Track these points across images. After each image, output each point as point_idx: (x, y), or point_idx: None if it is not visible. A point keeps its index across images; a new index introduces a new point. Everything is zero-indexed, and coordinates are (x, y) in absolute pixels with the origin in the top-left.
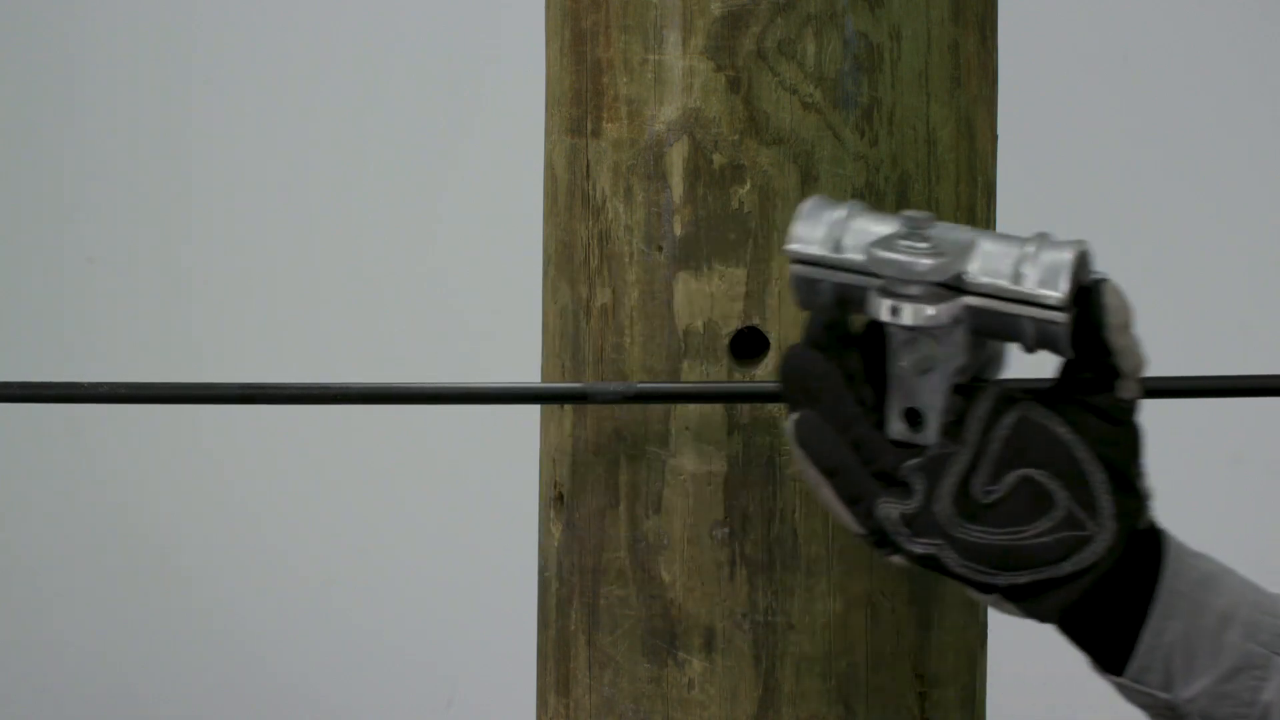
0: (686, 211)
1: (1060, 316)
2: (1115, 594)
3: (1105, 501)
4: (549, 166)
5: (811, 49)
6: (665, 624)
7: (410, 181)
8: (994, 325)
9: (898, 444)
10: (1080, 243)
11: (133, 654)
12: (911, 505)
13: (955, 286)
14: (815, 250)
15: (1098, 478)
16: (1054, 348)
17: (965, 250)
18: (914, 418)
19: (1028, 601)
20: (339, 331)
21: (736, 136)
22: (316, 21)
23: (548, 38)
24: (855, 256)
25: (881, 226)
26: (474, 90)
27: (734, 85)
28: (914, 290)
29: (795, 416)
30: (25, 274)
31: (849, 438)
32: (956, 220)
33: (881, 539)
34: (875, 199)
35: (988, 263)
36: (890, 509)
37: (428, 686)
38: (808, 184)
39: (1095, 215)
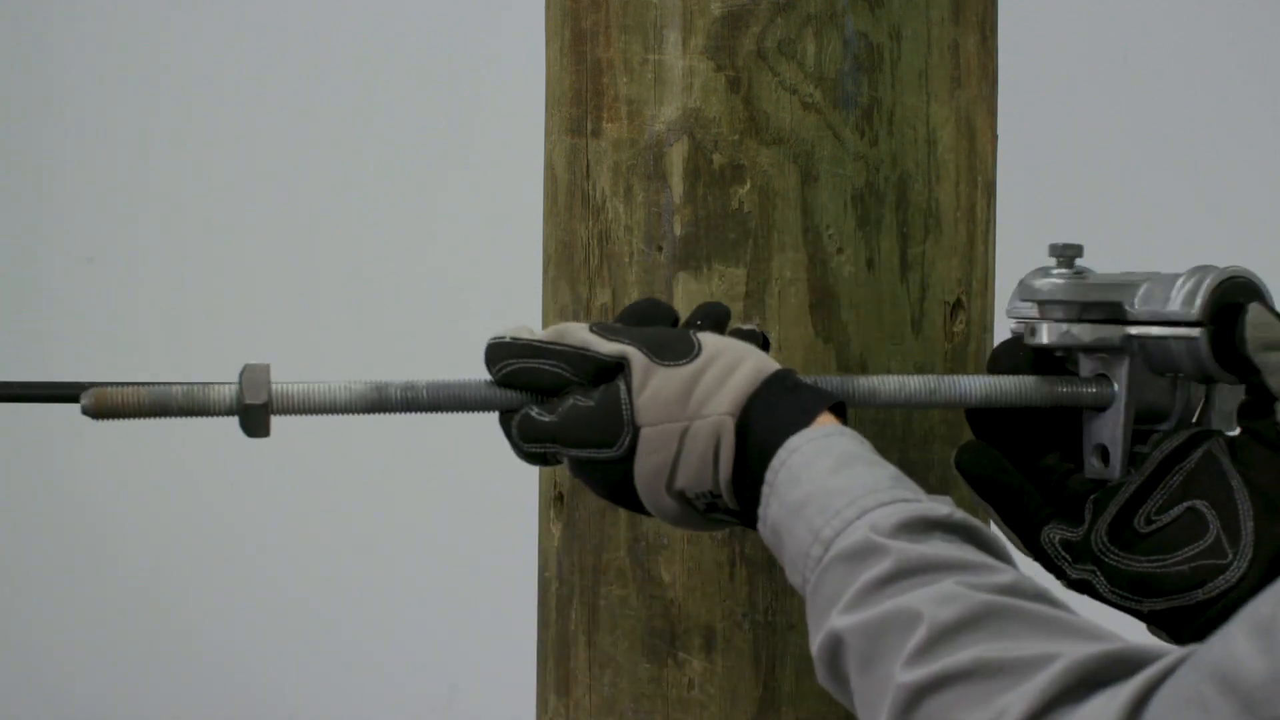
0: (686, 211)
1: (1195, 332)
2: None
3: (1247, 529)
4: (549, 166)
5: (811, 49)
6: (665, 624)
7: (410, 181)
8: (1157, 354)
9: (1092, 479)
10: (1235, 268)
11: (131, 651)
12: (1077, 534)
13: (1118, 320)
14: (1023, 310)
15: (1244, 505)
16: (1207, 371)
17: (1127, 286)
18: (1104, 454)
19: (1171, 629)
20: (339, 331)
21: (736, 136)
22: (317, 21)
23: (548, 38)
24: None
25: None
26: (474, 90)
27: (734, 85)
28: (1061, 313)
29: (960, 445)
30: (25, 274)
31: (1025, 466)
32: (956, 220)
33: (1047, 563)
34: (875, 199)
35: (1147, 295)
36: (1053, 535)
37: (428, 686)
38: (808, 184)
39: (1095, 215)
